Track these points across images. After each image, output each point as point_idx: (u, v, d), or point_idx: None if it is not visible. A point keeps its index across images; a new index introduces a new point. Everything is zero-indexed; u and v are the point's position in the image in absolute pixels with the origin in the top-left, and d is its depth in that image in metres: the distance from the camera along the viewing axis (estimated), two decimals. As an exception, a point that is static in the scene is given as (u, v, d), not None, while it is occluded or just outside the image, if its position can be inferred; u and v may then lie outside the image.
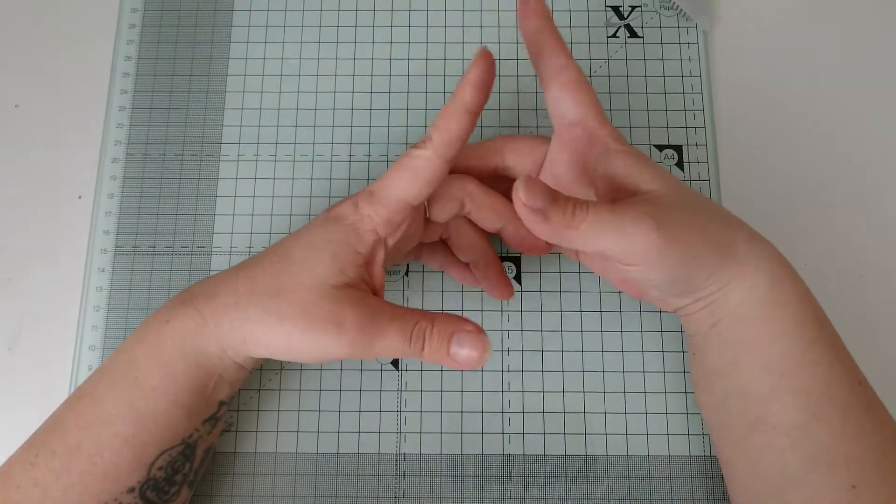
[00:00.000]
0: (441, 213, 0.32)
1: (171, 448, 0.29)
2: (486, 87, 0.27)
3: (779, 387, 0.28)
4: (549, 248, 0.34)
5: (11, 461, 0.29)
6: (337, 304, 0.28)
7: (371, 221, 0.29)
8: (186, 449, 0.30)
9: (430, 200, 0.32)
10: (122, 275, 0.37)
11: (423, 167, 0.28)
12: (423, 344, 0.28)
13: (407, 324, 0.28)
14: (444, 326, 0.28)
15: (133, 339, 0.30)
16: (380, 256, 0.29)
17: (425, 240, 0.34)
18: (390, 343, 0.28)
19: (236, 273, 0.30)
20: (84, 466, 0.28)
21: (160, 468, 0.29)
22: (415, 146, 0.28)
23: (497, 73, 0.39)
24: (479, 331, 0.28)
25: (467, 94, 0.27)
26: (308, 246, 0.29)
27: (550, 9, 0.41)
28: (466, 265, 0.35)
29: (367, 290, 0.29)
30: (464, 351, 0.28)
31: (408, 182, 0.28)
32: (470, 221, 0.33)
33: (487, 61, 0.27)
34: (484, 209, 0.32)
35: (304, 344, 0.28)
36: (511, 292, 0.35)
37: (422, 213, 0.32)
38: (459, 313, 0.36)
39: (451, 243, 0.34)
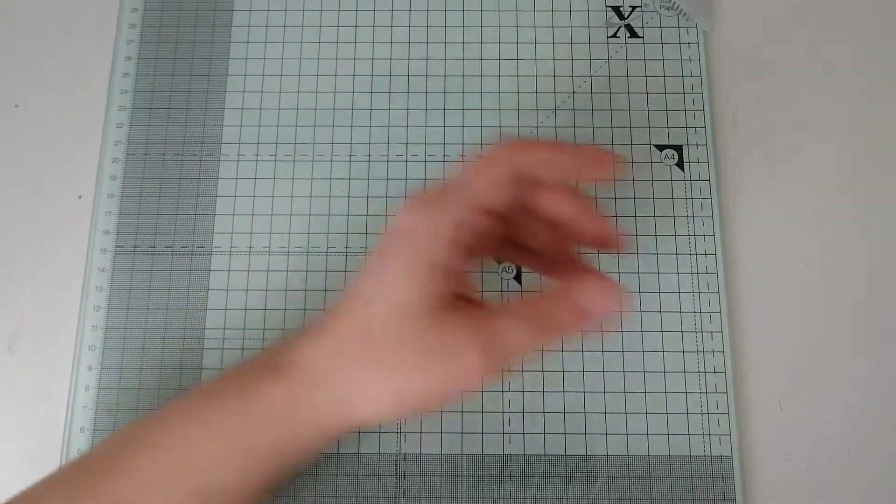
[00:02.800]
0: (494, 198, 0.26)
1: None
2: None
3: None
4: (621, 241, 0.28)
5: None
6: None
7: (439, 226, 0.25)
8: None
9: None
10: (122, 275, 0.37)
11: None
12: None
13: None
14: (558, 306, 0.26)
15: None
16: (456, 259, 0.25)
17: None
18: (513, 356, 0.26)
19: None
20: None
21: None
22: None
23: (497, 74, 0.40)
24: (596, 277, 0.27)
25: None
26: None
27: (551, 9, 0.41)
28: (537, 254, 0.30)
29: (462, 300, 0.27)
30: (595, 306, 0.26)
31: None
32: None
33: None
34: (541, 165, 0.26)
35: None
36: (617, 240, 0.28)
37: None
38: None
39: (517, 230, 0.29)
